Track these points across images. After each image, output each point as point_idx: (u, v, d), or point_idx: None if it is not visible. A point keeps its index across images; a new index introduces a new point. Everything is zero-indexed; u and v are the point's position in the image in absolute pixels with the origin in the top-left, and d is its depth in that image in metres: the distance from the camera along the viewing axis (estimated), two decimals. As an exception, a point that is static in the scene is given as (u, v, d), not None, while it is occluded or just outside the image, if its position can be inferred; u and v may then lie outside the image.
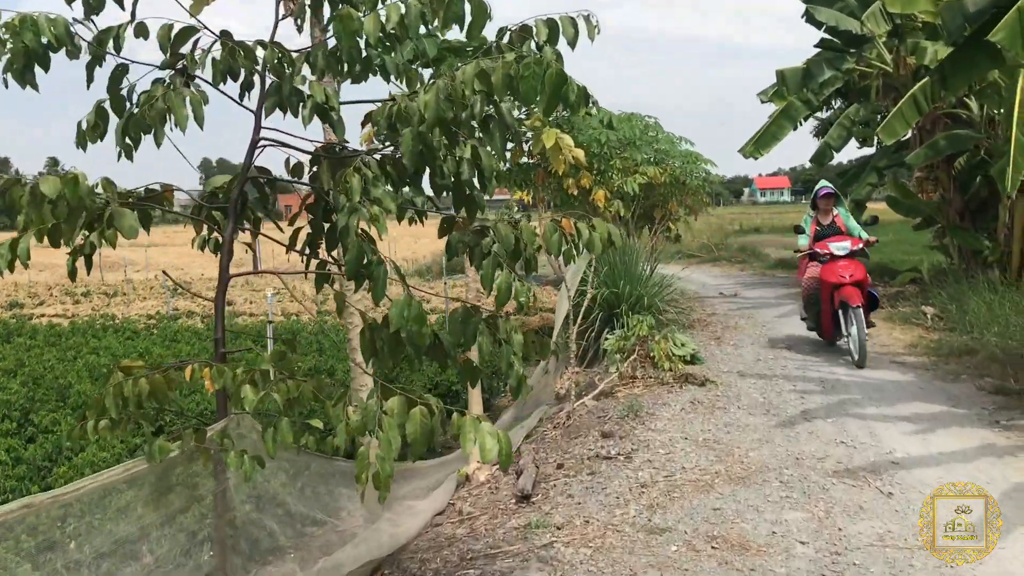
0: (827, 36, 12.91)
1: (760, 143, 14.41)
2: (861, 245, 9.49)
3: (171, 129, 3.09)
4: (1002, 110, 11.40)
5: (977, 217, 12.95)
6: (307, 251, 3.58)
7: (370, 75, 3.89)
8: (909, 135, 13.46)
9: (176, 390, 3.17)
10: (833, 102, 16.45)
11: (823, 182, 10.27)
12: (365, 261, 3.00)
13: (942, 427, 6.58)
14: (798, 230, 9.95)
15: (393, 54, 3.81)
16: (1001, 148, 11.41)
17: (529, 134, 7.11)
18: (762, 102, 14.63)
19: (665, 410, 7.42)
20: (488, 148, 3.02)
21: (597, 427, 7.17)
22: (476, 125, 2.86)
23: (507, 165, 8.25)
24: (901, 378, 8.32)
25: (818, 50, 13.08)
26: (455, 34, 4.99)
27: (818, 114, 16.52)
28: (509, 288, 3.26)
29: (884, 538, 4.56)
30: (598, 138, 7.84)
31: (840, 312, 9.25)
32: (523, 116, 7.32)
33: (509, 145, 8.35)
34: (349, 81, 4.14)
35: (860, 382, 8.22)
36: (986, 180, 12.55)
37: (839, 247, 9.39)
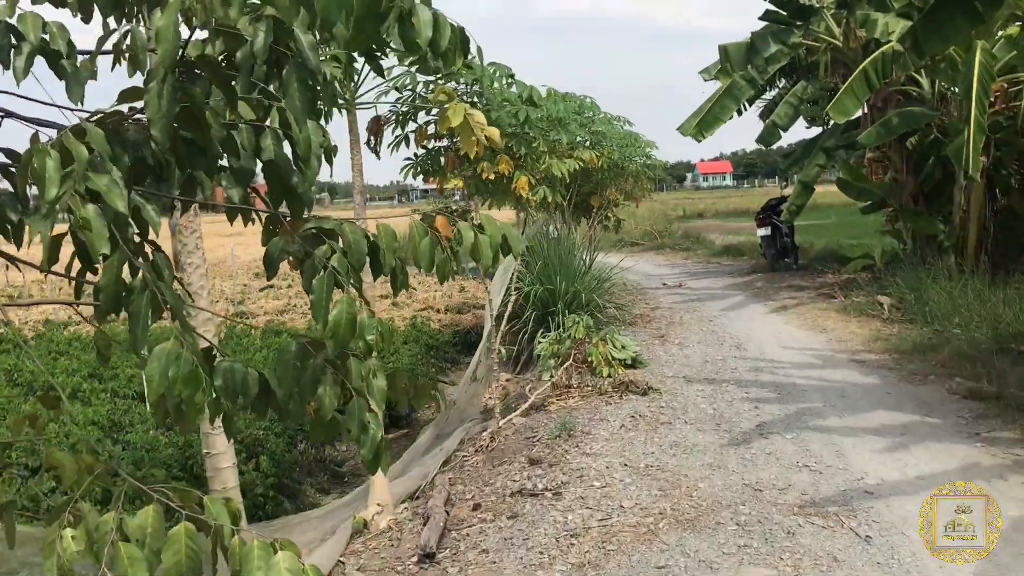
0: (772, 8, 12.03)
1: (703, 124, 13.51)
2: None
3: None
4: (957, 87, 10.66)
5: (931, 200, 12.23)
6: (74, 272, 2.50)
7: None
8: (859, 114, 12.68)
9: None
10: (778, 81, 15.61)
11: None
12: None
13: (917, 442, 5.73)
14: None
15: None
16: (956, 126, 10.67)
17: (435, 110, 6.04)
18: (704, 80, 13.74)
19: (603, 427, 6.47)
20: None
21: (525, 451, 6.21)
22: (267, 71, 1.81)
23: (415, 149, 7.09)
24: (864, 380, 7.48)
25: (764, 23, 12.20)
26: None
27: (764, 95, 15.66)
28: (352, 321, 2.23)
29: (868, 605, 3.66)
30: (516, 114, 6.72)
31: None
32: (426, 93, 6.18)
33: (412, 125, 7.26)
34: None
35: (820, 386, 7.37)
36: (939, 161, 11.82)
37: None
